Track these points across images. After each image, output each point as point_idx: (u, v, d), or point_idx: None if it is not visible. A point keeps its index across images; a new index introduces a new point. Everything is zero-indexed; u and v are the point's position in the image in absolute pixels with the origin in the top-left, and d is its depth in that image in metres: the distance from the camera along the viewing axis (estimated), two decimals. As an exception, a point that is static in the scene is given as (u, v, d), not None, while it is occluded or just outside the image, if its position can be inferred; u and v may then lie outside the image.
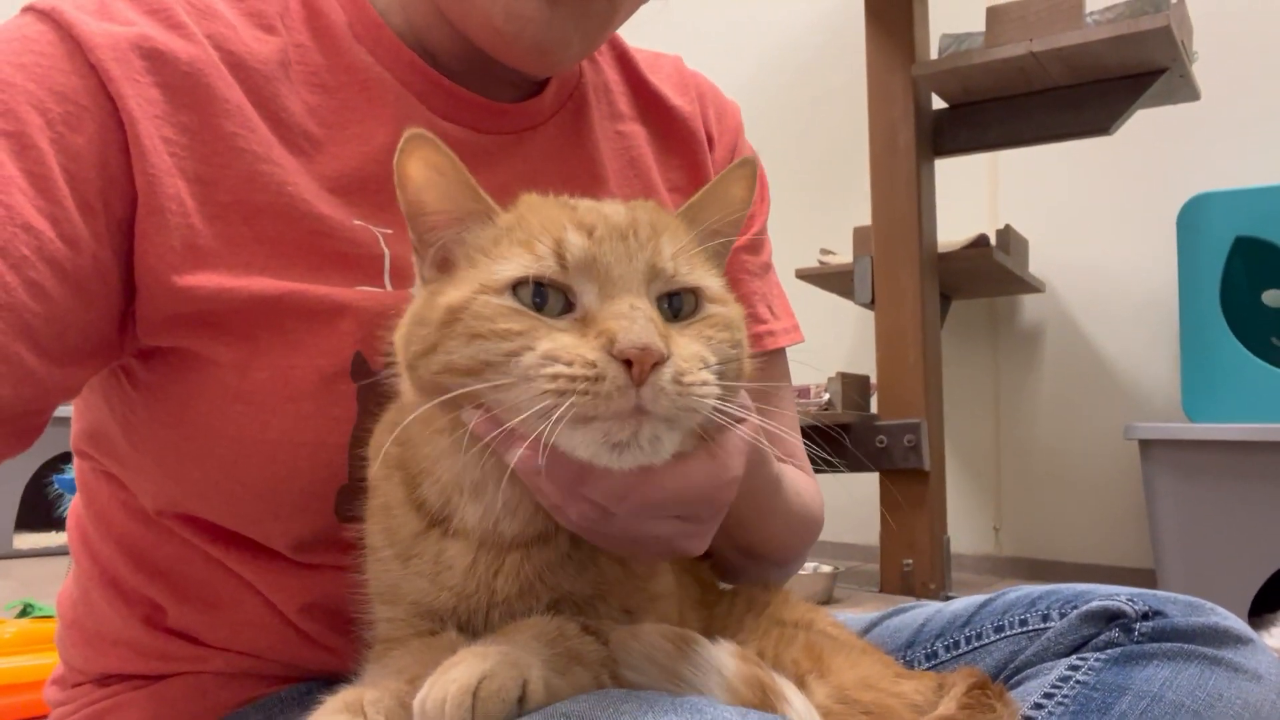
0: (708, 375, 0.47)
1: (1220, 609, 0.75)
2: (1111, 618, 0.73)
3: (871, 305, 2.58)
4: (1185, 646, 0.71)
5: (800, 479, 0.84)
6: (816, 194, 3.43)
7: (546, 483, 0.48)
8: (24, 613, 1.80)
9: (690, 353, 0.47)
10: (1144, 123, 2.55)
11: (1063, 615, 0.76)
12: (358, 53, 0.70)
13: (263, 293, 0.61)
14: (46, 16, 0.59)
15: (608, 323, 0.46)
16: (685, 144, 0.86)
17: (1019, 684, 0.74)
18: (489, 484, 0.52)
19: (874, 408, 2.63)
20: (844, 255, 2.85)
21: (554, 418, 0.43)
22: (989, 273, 2.79)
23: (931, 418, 2.49)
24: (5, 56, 0.57)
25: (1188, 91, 2.41)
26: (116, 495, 0.71)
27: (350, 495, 0.62)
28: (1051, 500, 3.02)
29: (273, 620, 0.66)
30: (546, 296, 0.48)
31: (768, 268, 0.93)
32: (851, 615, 0.91)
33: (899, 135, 2.52)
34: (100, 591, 0.71)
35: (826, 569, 2.39)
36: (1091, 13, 2.24)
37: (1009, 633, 0.78)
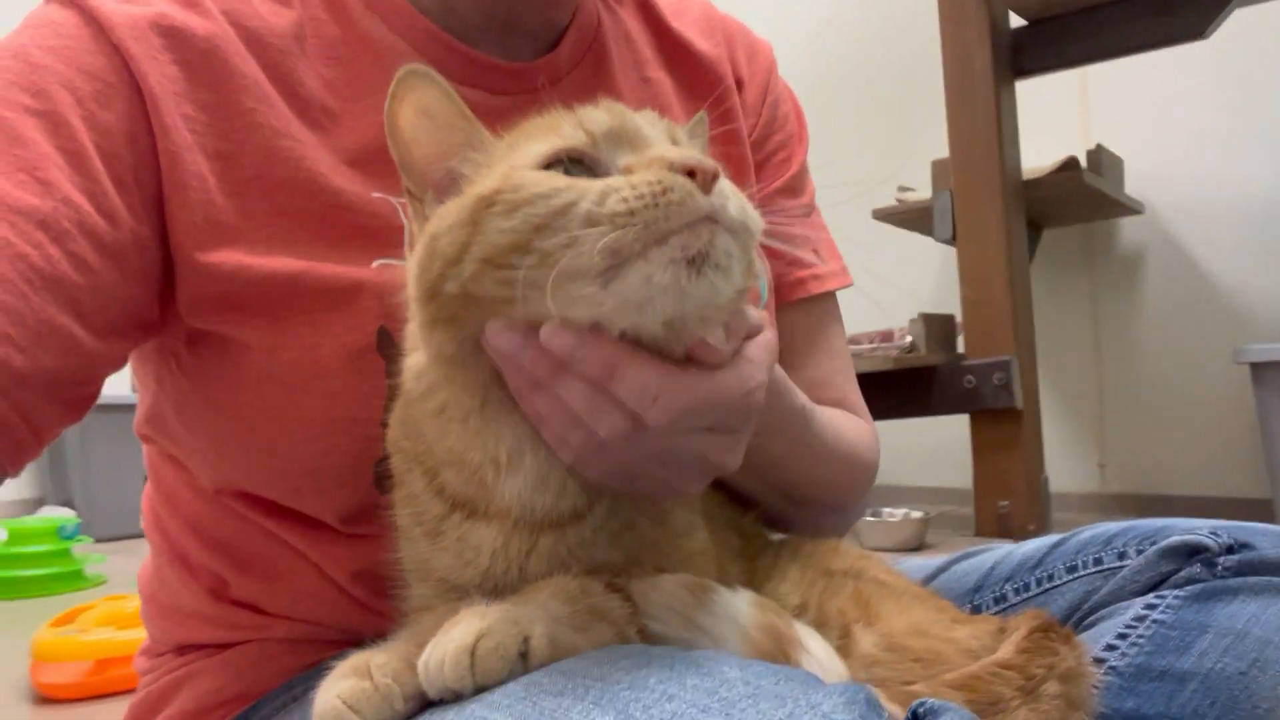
0: (752, 211, 0.47)
1: (1318, 539, 0.70)
2: (1193, 552, 0.68)
3: (953, 241, 2.48)
4: (1275, 580, 0.66)
5: (846, 421, 0.82)
6: (892, 129, 3.31)
7: (577, 387, 0.47)
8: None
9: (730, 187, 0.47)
10: (1244, 23, 2.36)
11: (1140, 552, 0.72)
12: (371, 23, 0.70)
13: (280, 272, 0.62)
14: (70, 2, 0.61)
15: (655, 154, 0.45)
16: (709, 87, 0.83)
17: (1093, 625, 0.71)
18: (525, 450, 0.51)
19: (961, 348, 2.54)
20: (923, 191, 2.75)
21: (629, 239, 0.42)
22: (1081, 197, 2.65)
23: (1022, 354, 2.39)
24: (34, 41, 0.59)
25: (1293, -17, 2.22)
26: (180, 476, 0.73)
27: (388, 468, 0.63)
28: (1159, 432, 2.88)
29: (327, 589, 0.68)
30: (579, 175, 0.47)
31: (810, 209, 0.89)
32: (919, 561, 0.88)
33: (975, 58, 2.39)
34: (171, 568, 0.74)
35: (917, 514, 2.35)
36: (1179, -93, 2.08)
37: (1082, 573, 0.75)
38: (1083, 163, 2.49)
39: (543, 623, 0.43)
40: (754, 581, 0.65)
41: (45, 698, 1.71)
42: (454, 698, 0.42)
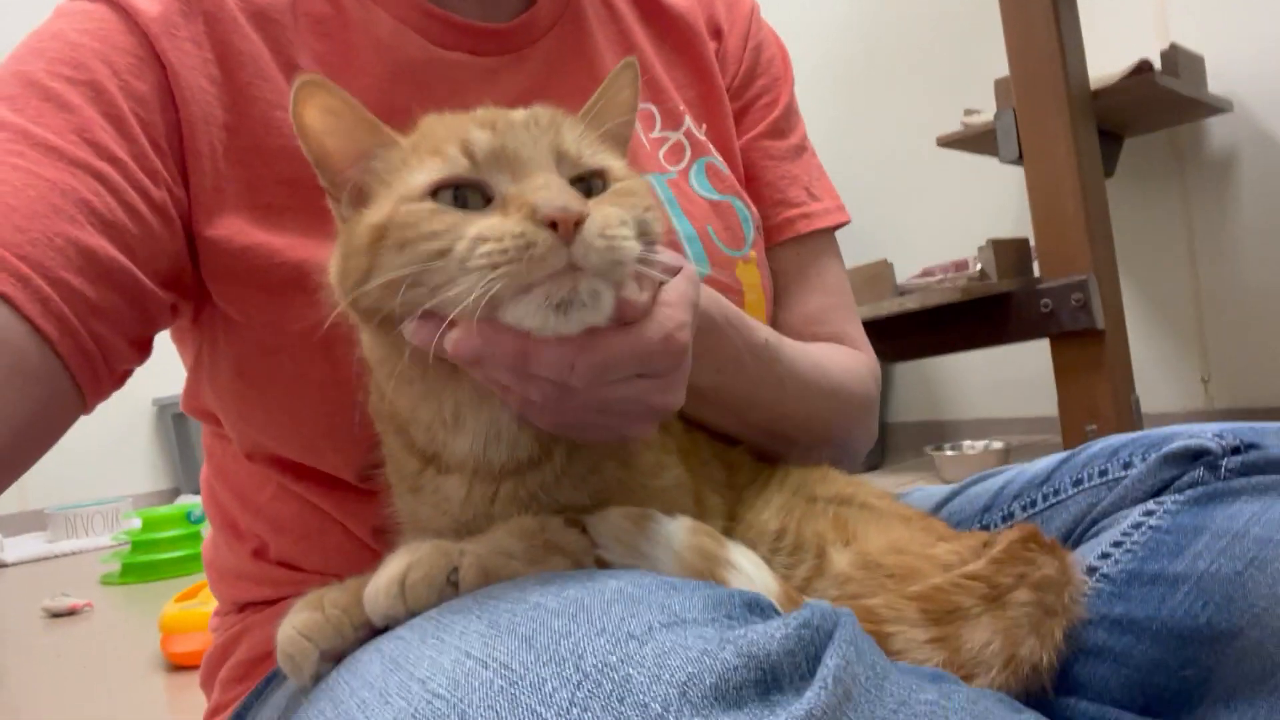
0: (627, 231, 0.48)
1: (1343, 432, 0.67)
2: (1196, 456, 0.67)
3: (1020, 161, 2.39)
4: (1281, 478, 0.65)
5: (833, 354, 0.82)
6: (954, 51, 3.19)
7: (498, 371, 0.50)
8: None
9: (606, 212, 0.48)
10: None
11: (1144, 460, 0.70)
12: None
13: (280, 247, 0.66)
14: None
15: (527, 195, 0.47)
16: (685, 41, 0.85)
17: (1094, 536, 0.70)
18: (465, 413, 0.54)
19: (1038, 272, 2.46)
20: (989, 114, 2.65)
21: (495, 290, 0.45)
22: (1160, 101, 2.50)
23: (1102, 272, 2.29)
24: (69, 25, 0.66)
25: None
26: (228, 450, 0.81)
27: None
28: (1264, 342, 2.73)
29: (352, 545, 0.74)
30: (466, 198, 0.50)
31: (800, 149, 0.90)
32: (933, 487, 0.89)
33: (1028, -32, 2.28)
34: (223, 535, 0.81)
35: (998, 445, 2.30)
36: None
37: (1087, 485, 0.74)
38: (1156, 65, 2.35)
39: (475, 554, 0.47)
40: (740, 512, 0.68)
41: (175, 665, 1.87)
42: (395, 624, 0.46)
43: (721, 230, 0.79)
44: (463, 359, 0.49)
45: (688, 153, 0.82)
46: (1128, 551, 0.65)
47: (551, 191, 0.47)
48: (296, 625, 0.46)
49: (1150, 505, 0.67)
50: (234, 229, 0.66)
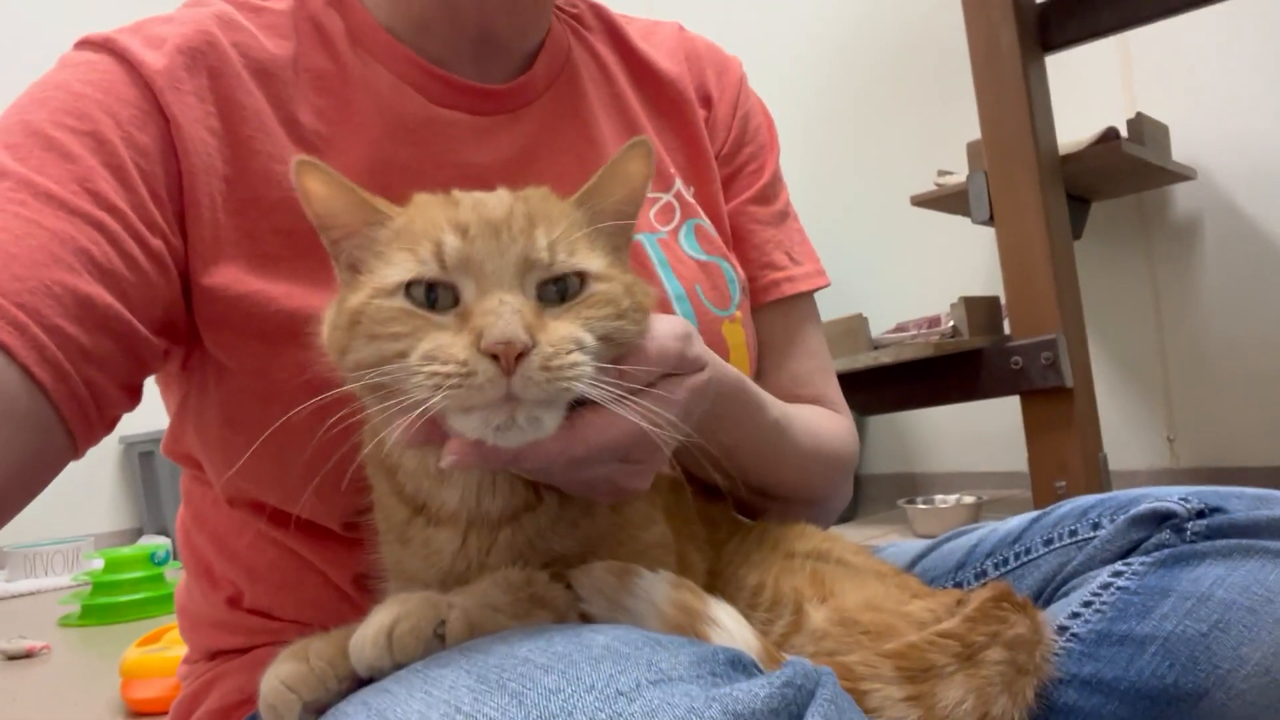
0: (578, 357, 0.49)
1: (1298, 499, 0.69)
2: (1162, 519, 0.69)
3: (991, 222, 2.45)
4: (1244, 542, 0.67)
5: (820, 418, 0.84)
6: (928, 114, 3.28)
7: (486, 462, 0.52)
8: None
9: (560, 336, 0.49)
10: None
11: (1113, 521, 0.72)
12: (356, 55, 0.76)
13: (276, 295, 0.68)
14: (101, 47, 0.69)
15: (477, 319, 0.49)
16: (674, 106, 0.88)
17: (1065, 595, 0.72)
18: (453, 473, 0.56)
19: (1008, 330, 2.50)
20: (962, 175, 2.72)
21: (439, 404, 0.48)
22: (1126, 168, 2.58)
23: (1070, 331, 2.34)
24: (74, 76, 0.67)
25: (1333, -72, 2.14)
26: (207, 495, 0.80)
27: None
28: (1228, 403, 2.79)
29: (330, 594, 0.74)
30: (437, 293, 0.52)
31: (784, 215, 0.92)
32: (910, 543, 0.90)
33: (1000, 36, 2.36)
34: (197, 581, 0.81)
35: (970, 499, 2.32)
36: None
37: (1057, 545, 0.76)
38: (1122, 133, 2.43)
39: (463, 607, 0.48)
40: (719, 568, 0.69)
41: (135, 712, 1.83)
42: (381, 676, 0.46)
43: (709, 290, 0.81)
44: (459, 468, 0.53)
45: (677, 214, 0.84)
46: (1097, 611, 0.67)
47: (500, 319, 0.48)
48: (280, 676, 0.46)
49: (1119, 566, 0.69)
50: (231, 277, 0.67)
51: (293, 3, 0.77)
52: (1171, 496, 0.70)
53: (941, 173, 2.86)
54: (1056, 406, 2.32)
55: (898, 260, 3.41)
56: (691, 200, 0.86)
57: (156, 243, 0.64)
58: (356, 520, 0.71)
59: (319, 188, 0.56)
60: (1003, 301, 2.52)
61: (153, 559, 2.96)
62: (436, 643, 0.46)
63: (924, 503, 2.39)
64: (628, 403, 0.51)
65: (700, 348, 0.60)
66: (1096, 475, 2.35)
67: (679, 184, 0.86)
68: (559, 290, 0.53)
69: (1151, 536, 0.69)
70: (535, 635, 0.45)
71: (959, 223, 2.88)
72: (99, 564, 2.97)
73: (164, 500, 4.24)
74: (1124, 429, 2.92)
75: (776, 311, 0.89)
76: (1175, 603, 0.65)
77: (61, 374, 0.57)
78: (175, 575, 3.07)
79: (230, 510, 0.77)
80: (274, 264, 0.69)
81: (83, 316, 0.58)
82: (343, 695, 0.47)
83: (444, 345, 0.49)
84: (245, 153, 0.69)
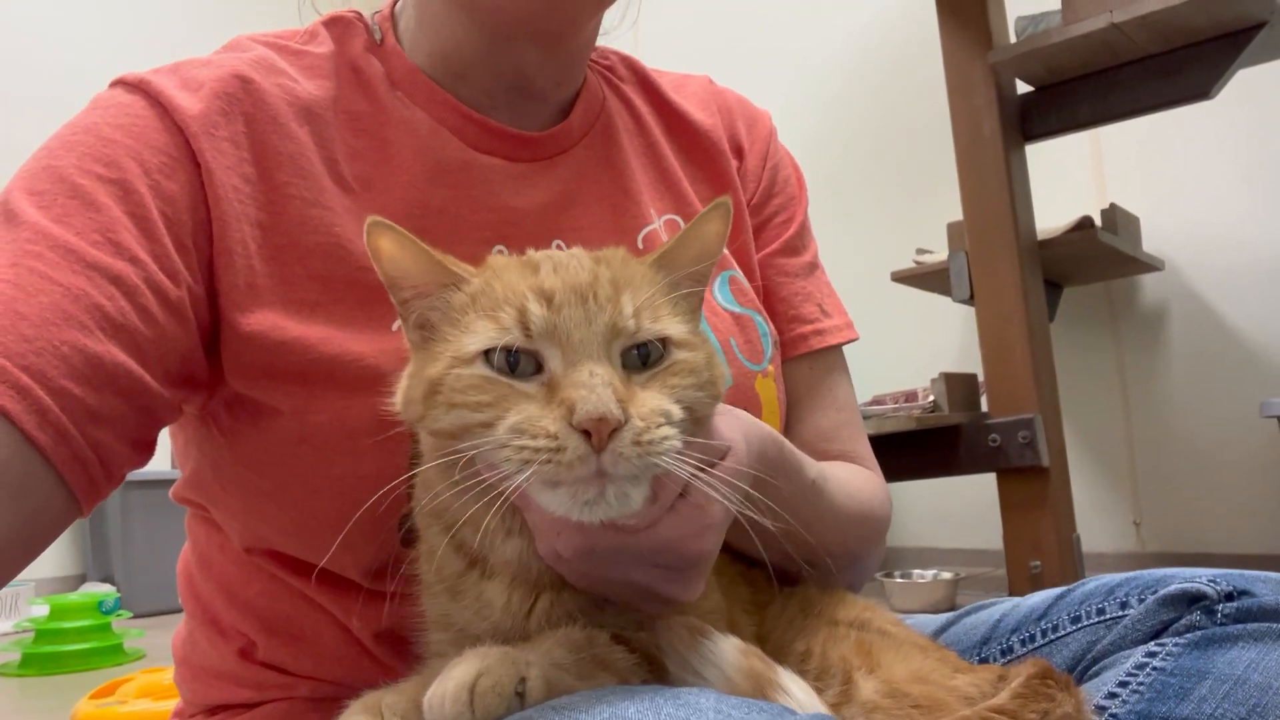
0: (668, 430, 0.49)
1: (1321, 584, 0.70)
2: (1192, 600, 0.70)
3: (971, 301, 2.51)
4: (1275, 626, 0.67)
5: (855, 477, 0.84)
6: (909, 194, 3.37)
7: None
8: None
9: (650, 409, 0.49)
10: (1251, 81, 2.40)
11: (1141, 601, 0.73)
12: (395, 99, 0.76)
13: (313, 339, 0.66)
14: (135, 88, 0.68)
15: (568, 391, 0.48)
16: (708, 156, 0.88)
17: (1097, 674, 0.72)
18: (518, 525, 0.55)
19: (985, 407, 2.54)
20: (941, 254, 2.79)
21: (528, 480, 0.48)
22: (1099, 256, 2.67)
23: (1046, 411, 2.39)
24: (104, 120, 0.66)
25: (1295, 43, 2.27)
26: (215, 539, 0.78)
27: (412, 524, 0.67)
28: (1192, 489, 2.84)
29: (350, 649, 0.71)
30: (519, 359, 0.51)
31: (813, 267, 0.93)
32: (928, 616, 0.89)
33: (983, 124, 2.45)
34: (202, 630, 0.77)
35: (947, 575, 2.32)
36: (1174, -26, 2.14)
37: (1086, 623, 0.76)
38: (1097, 222, 2.52)
39: (540, 665, 0.46)
40: (763, 632, 0.68)
41: (83, 770, 1.73)
42: (457, 733, 0.45)
43: (743, 344, 0.81)
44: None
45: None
46: (1134, 692, 0.67)
47: (593, 393, 0.47)
48: (355, 730, 0.44)
49: (1152, 647, 0.69)
50: (269, 324, 0.66)
51: (332, 47, 0.77)
52: (1200, 578, 0.71)
53: (920, 251, 2.93)
54: (1032, 485, 2.35)
55: (876, 335, 3.46)
56: (725, 252, 0.86)
57: (178, 293, 0.63)
58: (382, 571, 0.69)
59: (391, 248, 0.55)
60: (980, 379, 2.56)
61: (100, 607, 2.84)
62: (516, 701, 0.45)
63: (901, 577, 2.39)
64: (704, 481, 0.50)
65: (726, 422, 0.60)
66: (1070, 555, 2.37)
67: None
68: (641, 356, 0.52)
69: (1182, 617, 0.70)
70: (634, 697, 0.44)
71: (936, 300, 2.95)
72: (43, 610, 2.84)
73: (111, 546, 4.08)
74: (1092, 511, 2.96)
75: (804, 364, 0.89)
76: (1213, 685, 0.65)
77: (64, 436, 0.56)
78: (123, 626, 2.95)
79: (241, 556, 0.75)
80: (311, 310, 0.68)
81: (91, 376, 0.57)
82: (415, 753, 0.46)
83: (533, 418, 0.48)
84: (280, 198, 0.69)
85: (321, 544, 0.69)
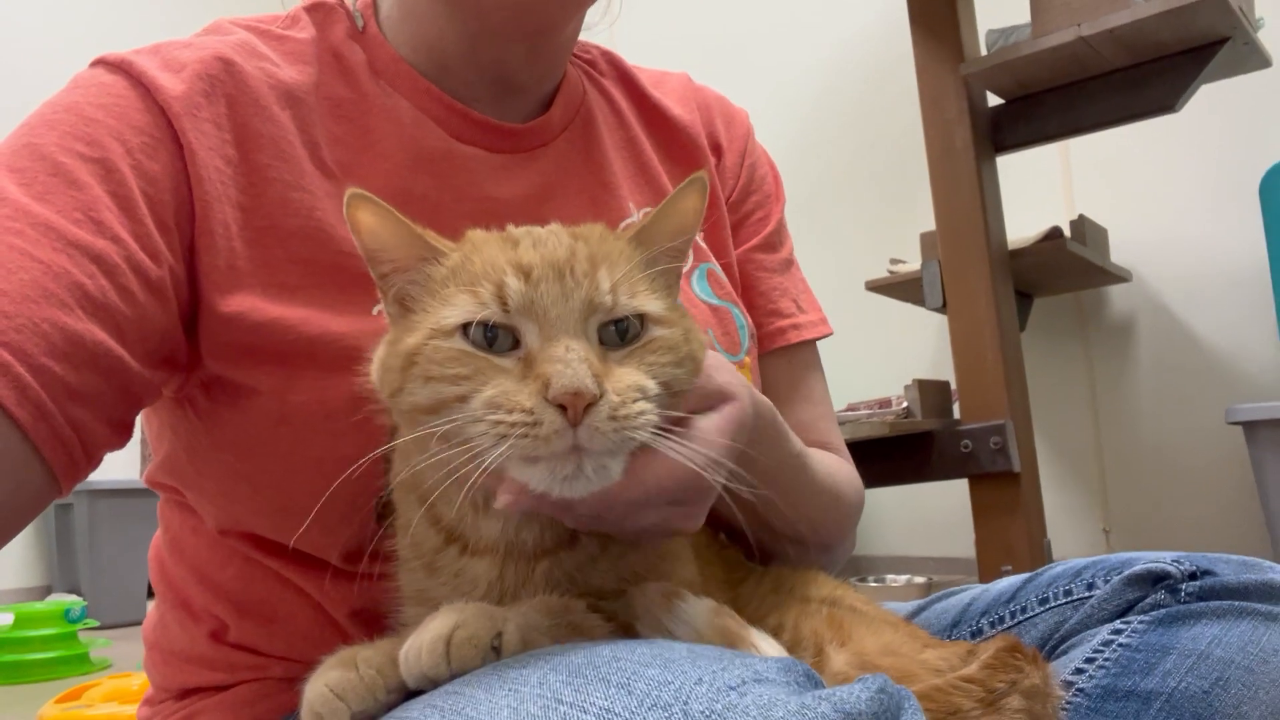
0: (644, 405, 0.49)
1: (1278, 566, 0.72)
2: (1157, 580, 0.71)
3: (943, 310, 2.54)
4: (1236, 604, 0.69)
5: (833, 462, 0.85)
6: (883, 204, 3.41)
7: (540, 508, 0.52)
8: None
9: (626, 384, 0.50)
10: (1216, 95, 2.46)
11: (1107, 581, 0.74)
12: (377, 86, 0.77)
13: (292, 319, 0.66)
14: (117, 68, 0.68)
15: (544, 366, 0.49)
16: (686, 151, 0.90)
17: (1064, 653, 0.73)
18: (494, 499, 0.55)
19: (958, 414, 2.57)
20: (914, 263, 2.82)
21: (503, 455, 0.47)
22: (1068, 266, 2.71)
23: (1017, 418, 2.42)
24: (87, 99, 0.65)
25: (1257, 59, 2.32)
26: (187, 522, 0.77)
27: (388, 503, 0.67)
28: (1161, 496, 2.89)
29: (325, 629, 0.71)
30: (496, 333, 0.51)
31: (789, 264, 0.94)
32: (899, 603, 0.91)
33: (955, 136, 2.49)
34: (173, 614, 0.77)
35: (920, 580, 2.34)
36: (1140, -10, 2.19)
37: (1053, 604, 0.77)
38: (1066, 233, 2.56)
39: (515, 621, 0.47)
40: (736, 608, 0.68)
41: (47, 776, 1.70)
42: (432, 686, 0.45)
43: (721, 335, 0.82)
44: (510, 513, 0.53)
45: (690, 257, 0.85)
46: (1100, 667, 0.68)
47: (569, 368, 0.47)
48: (329, 683, 0.44)
49: (1118, 625, 0.71)
50: (249, 305, 0.66)
51: (314, 33, 0.78)
52: (1164, 559, 0.73)
53: (894, 260, 2.96)
54: (1004, 491, 2.38)
55: (851, 343, 3.49)
56: (704, 245, 0.87)
57: (159, 272, 0.63)
58: (358, 552, 0.69)
59: (370, 220, 0.55)
60: (953, 386, 2.59)
61: (67, 616, 2.80)
62: (492, 655, 0.45)
63: (875, 581, 2.41)
64: (683, 445, 0.51)
65: (729, 374, 0.61)
66: (1041, 559, 2.39)
67: None
68: (619, 331, 0.53)
69: (1147, 596, 0.71)
70: (610, 642, 0.44)
71: (909, 309, 2.98)
72: (8, 619, 2.79)
73: (78, 556, 4.02)
74: (1062, 519, 3.00)
75: (781, 358, 0.90)
76: (1177, 660, 0.66)
77: (43, 413, 0.55)
78: (89, 635, 2.90)
79: (214, 539, 0.74)
80: (291, 293, 0.68)
81: (71, 354, 0.57)
82: (389, 708, 0.45)
83: (509, 392, 0.48)
84: (261, 181, 0.69)
85: (298, 526, 0.69)
